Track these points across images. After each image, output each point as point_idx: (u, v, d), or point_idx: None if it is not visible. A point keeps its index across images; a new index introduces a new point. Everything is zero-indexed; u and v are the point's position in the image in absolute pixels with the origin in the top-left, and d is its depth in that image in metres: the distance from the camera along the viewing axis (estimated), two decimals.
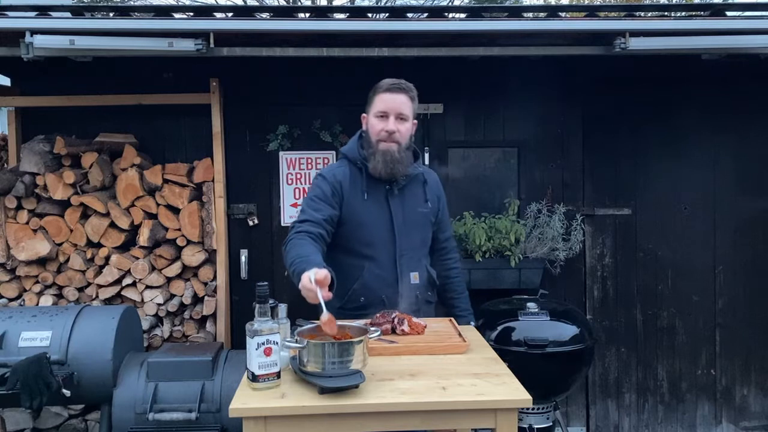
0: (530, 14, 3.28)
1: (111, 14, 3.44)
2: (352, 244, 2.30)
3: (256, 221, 3.70)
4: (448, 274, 2.53)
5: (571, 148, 3.78)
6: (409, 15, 3.24)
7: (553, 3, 9.58)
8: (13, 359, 2.46)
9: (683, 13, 3.53)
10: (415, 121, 2.38)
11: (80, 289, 3.38)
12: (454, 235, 3.47)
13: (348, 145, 2.43)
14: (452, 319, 2.29)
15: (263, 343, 1.59)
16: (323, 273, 1.76)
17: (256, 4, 9.86)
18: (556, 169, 3.77)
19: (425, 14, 3.28)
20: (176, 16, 3.08)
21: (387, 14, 3.31)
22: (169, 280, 3.42)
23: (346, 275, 2.22)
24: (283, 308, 1.84)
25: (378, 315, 2.11)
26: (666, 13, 3.56)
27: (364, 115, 2.40)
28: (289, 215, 3.71)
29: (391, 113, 2.27)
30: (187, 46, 2.88)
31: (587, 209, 3.75)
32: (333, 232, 2.27)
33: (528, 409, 3.04)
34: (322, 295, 1.71)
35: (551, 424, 3.12)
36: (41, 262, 3.36)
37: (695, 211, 3.79)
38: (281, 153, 3.71)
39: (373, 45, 3.04)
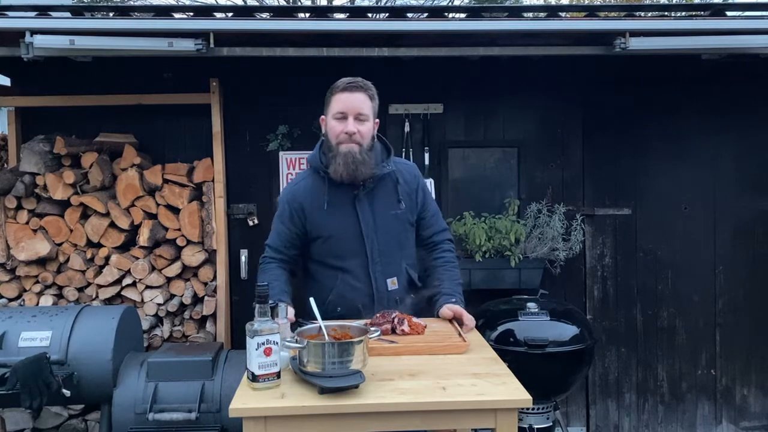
0: (530, 14, 3.29)
1: (111, 14, 3.44)
2: (323, 258, 2.28)
3: (256, 221, 3.70)
4: (433, 264, 2.38)
5: (571, 148, 3.78)
6: (409, 15, 3.24)
7: (553, 3, 9.58)
8: (13, 359, 2.45)
9: (683, 13, 3.53)
10: (377, 121, 2.27)
11: (80, 289, 3.38)
12: (455, 234, 3.48)
13: (312, 153, 2.34)
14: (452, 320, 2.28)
15: (263, 343, 1.59)
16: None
17: (256, 4, 9.86)
18: (556, 169, 3.77)
19: (425, 14, 3.28)
20: (176, 16, 3.08)
21: (387, 14, 3.30)
22: (169, 280, 3.42)
23: (322, 285, 2.25)
24: (283, 308, 1.84)
25: (378, 315, 2.11)
26: (666, 13, 3.56)
27: (322, 117, 2.28)
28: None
29: (350, 114, 2.17)
30: (187, 46, 2.88)
31: (587, 209, 3.75)
32: (302, 246, 2.32)
33: (528, 409, 3.04)
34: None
35: (551, 424, 3.12)
36: (41, 262, 3.36)
37: (695, 211, 3.79)
38: (281, 153, 3.71)
39: (373, 45, 3.04)
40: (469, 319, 2.15)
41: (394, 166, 2.31)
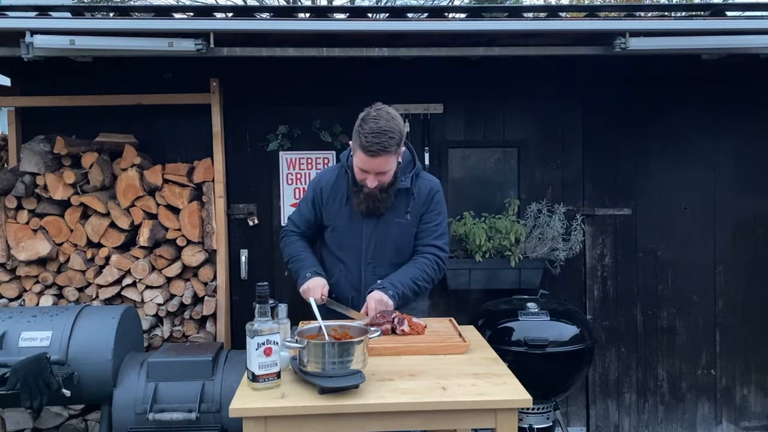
0: (530, 14, 3.28)
1: (111, 14, 3.44)
2: (330, 246, 2.52)
3: (256, 221, 3.70)
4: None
5: (571, 148, 3.78)
6: (409, 15, 3.23)
7: (553, 3, 9.58)
8: (13, 359, 2.45)
9: (683, 13, 3.53)
10: (401, 150, 2.30)
11: (80, 289, 3.38)
12: (455, 234, 3.49)
13: (347, 151, 2.48)
14: (452, 319, 2.29)
15: (263, 343, 1.60)
16: (321, 284, 2.32)
17: (256, 4, 9.86)
18: (556, 169, 3.77)
19: (425, 14, 3.28)
20: (176, 16, 3.08)
21: (387, 14, 3.31)
22: (169, 280, 3.41)
23: (328, 270, 2.49)
24: (283, 308, 1.84)
25: (378, 315, 2.11)
26: (666, 13, 3.56)
27: (350, 142, 2.32)
28: (289, 215, 3.71)
29: (371, 172, 2.25)
30: (187, 46, 2.87)
31: (587, 209, 3.75)
32: (318, 230, 2.56)
33: (528, 409, 3.04)
34: (315, 303, 1.95)
35: (551, 424, 3.12)
36: (41, 262, 3.36)
37: (695, 211, 3.79)
38: (281, 153, 3.71)
39: (373, 45, 3.04)
40: (370, 308, 2.21)
41: (413, 182, 2.40)
